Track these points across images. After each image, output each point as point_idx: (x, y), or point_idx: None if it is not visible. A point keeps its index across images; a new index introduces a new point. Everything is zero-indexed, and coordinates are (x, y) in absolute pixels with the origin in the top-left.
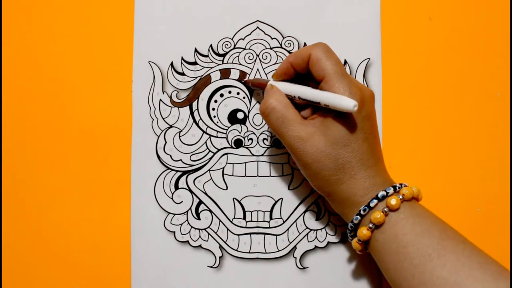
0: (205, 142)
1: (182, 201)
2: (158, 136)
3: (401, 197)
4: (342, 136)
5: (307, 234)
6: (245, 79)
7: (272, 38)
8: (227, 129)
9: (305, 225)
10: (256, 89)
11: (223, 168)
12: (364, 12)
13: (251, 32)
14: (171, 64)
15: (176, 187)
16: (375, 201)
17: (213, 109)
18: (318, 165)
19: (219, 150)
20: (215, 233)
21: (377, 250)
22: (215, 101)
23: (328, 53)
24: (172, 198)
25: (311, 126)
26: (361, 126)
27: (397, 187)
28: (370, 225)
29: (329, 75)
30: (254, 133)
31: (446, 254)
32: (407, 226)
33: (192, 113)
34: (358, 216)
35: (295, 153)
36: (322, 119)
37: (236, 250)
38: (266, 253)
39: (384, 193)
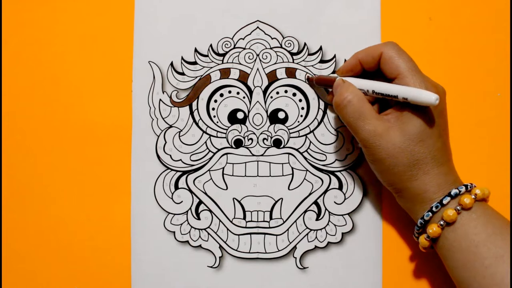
0: (205, 142)
1: (182, 201)
2: (158, 136)
3: (473, 196)
4: (418, 132)
5: (307, 234)
6: (307, 77)
7: (272, 38)
8: (227, 129)
9: (305, 225)
10: (320, 86)
11: (223, 168)
12: (364, 12)
13: (251, 32)
14: (171, 64)
15: (176, 187)
16: (448, 198)
17: (213, 109)
18: (393, 161)
19: (219, 150)
20: (215, 233)
21: (446, 248)
22: (215, 101)
23: (400, 50)
24: (172, 198)
25: (387, 121)
26: (436, 122)
27: (468, 186)
28: (441, 222)
29: (404, 72)
30: (254, 133)
31: None
32: (479, 226)
33: (192, 113)
34: (429, 213)
35: (370, 147)
36: (397, 115)
37: (236, 250)
38: (266, 253)
39: (457, 191)
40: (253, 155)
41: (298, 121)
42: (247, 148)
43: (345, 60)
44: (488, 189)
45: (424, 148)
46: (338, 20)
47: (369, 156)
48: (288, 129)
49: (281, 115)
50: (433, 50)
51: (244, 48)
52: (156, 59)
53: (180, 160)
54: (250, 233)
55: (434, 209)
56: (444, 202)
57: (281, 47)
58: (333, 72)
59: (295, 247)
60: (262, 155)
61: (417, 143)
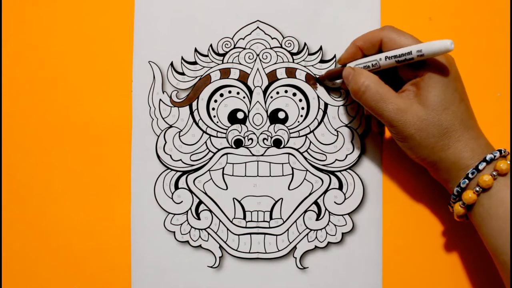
0: (205, 142)
1: (182, 201)
2: (158, 136)
3: (509, 162)
4: (440, 100)
5: (307, 234)
6: (318, 76)
7: (272, 38)
8: (227, 129)
9: (305, 225)
10: (332, 80)
11: (223, 168)
12: (364, 12)
13: (251, 32)
14: (171, 64)
15: (176, 187)
16: (484, 164)
17: (213, 109)
18: (422, 134)
19: (219, 150)
20: (215, 233)
21: (481, 215)
22: (215, 101)
23: (398, 31)
24: (172, 198)
25: (407, 97)
26: (454, 87)
27: (502, 151)
28: (477, 189)
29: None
30: (254, 133)
31: None
32: None
33: (192, 113)
34: (466, 180)
35: (397, 126)
36: (414, 89)
37: (236, 250)
38: (266, 253)
39: (492, 156)
40: (253, 155)
41: (298, 121)
42: (247, 148)
43: None
44: None
45: (449, 115)
46: (338, 20)
47: (397, 135)
48: (288, 129)
49: (281, 115)
50: None
51: (244, 48)
52: (156, 59)
53: (180, 160)
54: (250, 233)
55: (470, 175)
56: (480, 167)
57: (281, 47)
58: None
59: (295, 247)
60: (262, 155)
61: (442, 112)
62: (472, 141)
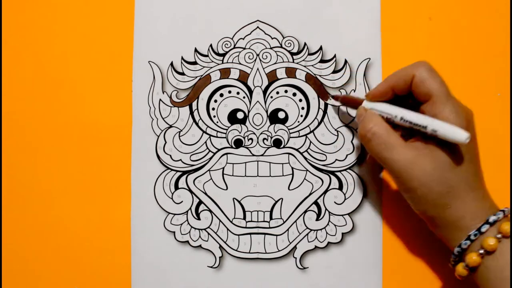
0: (205, 142)
1: (182, 201)
2: (158, 136)
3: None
4: (448, 160)
5: (307, 234)
6: (333, 95)
7: (272, 38)
8: (227, 129)
9: (305, 225)
10: (345, 105)
11: (223, 168)
12: (364, 12)
13: (251, 32)
14: (171, 64)
15: (176, 187)
16: (487, 226)
17: (213, 109)
18: (425, 189)
19: (219, 150)
20: (215, 233)
21: (487, 277)
22: (215, 101)
23: (432, 72)
24: (172, 198)
25: (415, 149)
26: (466, 148)
27: (506, 212)
28: (481, 251)
29: (436, 97)
30: (254, 133)
31: None
32: None
33: (192, 113)
34: (468, 241)
35: (401, 177)
36: (424, 142)
37: (236, 250)
38: (266, 253)
39: (495, 217)
40: (253, 155)
41: (298, 121)
42: (247, 148)
43: (345, 60)
44: None
45: (456, 175)
46: (338, 20)
47: (401, 186)
48: (288, 129)
49: (281, 115)
50: (433, 50)
51: (244, 48)
52: (156, 59)
53: (180, 160)
54: (250, 233)
55: (472, 237)
56: (483, 230)
57: (281, 47)
58: (337, 71)
59: (295, 247)
60: (262, 155)
61: (449, 170)
62: (475, 203)
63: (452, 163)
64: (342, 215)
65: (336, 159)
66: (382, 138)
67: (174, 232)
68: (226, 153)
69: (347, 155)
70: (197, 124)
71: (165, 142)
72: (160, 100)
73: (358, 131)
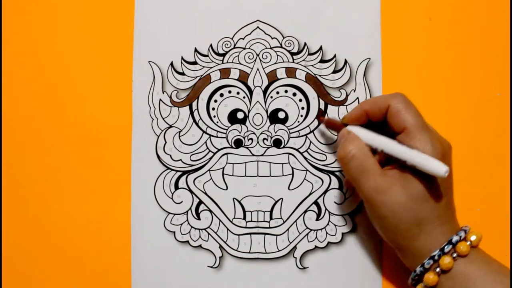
0: (205, 142)
1: (182, 201)
2: (158, 136)
3: (469, 243)
4: (422, 192)
5: (307, 234)
6: (319, 117)
7: (272, 38)
8: (227, 129)
9: (305, 225)
10: (330, 129)
11: (223, 168)
12: (364, 12)
13: (251, 32)
14: (171, 64)
15: (176, 187)
16: (450, 246)
17: (213, 109)
18: (395, 219)
19: (219, 150)
20: (215, 233)
21: None
22: (215, 101)
23: (407, 103)
24: (172, 198)
25: (391, 177)
26: (441, 181)
27: (466, 231)
28: (438, 270)
29: (410, 128)
30: (254, 133)
31: None
32: (475, 272)
33: (192, 113)
34: (430, 261)
35: (373, 204)
36: (401, 171)
37: (236, 250)
38: (266, 253)
39: (458, 238)
40: (253, 155)
41: (298, 121)
42: (247, 148)
43: (345, 61)
44: (480, 233)
45: (428, 208)
46: (338, 20)
47: (371, 213)
48: (288, 129)
49: (281, 115)
50: (433, 50)
51: (244, 48)
52: (156, 59)
53: (180, 160)
54: (250, 233)
55: (436, 257)
56: (446, 250)
57: (281, 47)
58: (337, 71)
59: (295, 247)
60: (262, 155)
61: (421, 203)
62: (443, 236)
63: (425, 195)
64: (342, 215)
65: (336, 159)
66: (360, 161)
67: (174, 232)
68: (226, 153)
69: None
70: (197, 124)
71: (165, 142)
72: (160, 100)
73: (337, 152)
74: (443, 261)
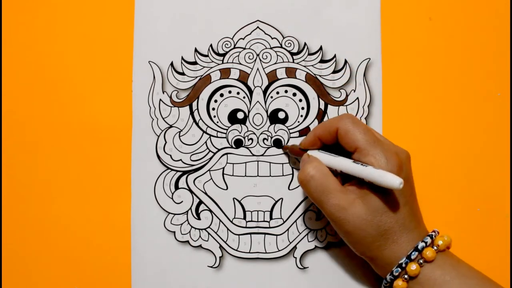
0: (205, 142)
1: (182, 201)
2: (158, 136)
3: (435, 248)
4: (381, 204)
5: (307, 234)
6: (284, 145)
7: (272, 38)
8: (227, 129)
9: (305, 225)
10: (293, 155)
11: (223, 168)
12: (364, 12)
13: (251, 32)
14: (171, 64)
15: (176, 187)
16: (416, 253)
17: (213, 109)
18: (360, 233)
19: (219, 150)
20: (215, 233)
21: None
22: (215, 101)
23: (355, 123)
24: (172, 198)
25: (351, 193)
26: (400, 191)
27: (433, 235)
28: (406, 276)
29: (362, 146)
30: (254, 133)
31: None
32: (442, 276)
33: (192, 113)
34: (398, 269)
35: (336, 221)
36: (359, 187)
37: (236, 250)
38: (266, 253)
39: (424, 244)
40: (253, 155)
41: (298, 121)
42: (247, 148)
43: (345, 61)
44: (449, 237)
45: (390, 218)
46: (338, 20)
47: (337, 229)
48: (288, 129)
49: (281, 115)
50: (433, 50)
51: (244, 48)
52: (156, 59)
53: (180, 160)
54: (250, 233)
55: (404, 265)
56: (412, 257)
57: (281, 47)
58: (337, 71)
59: (295, 247)
60: (262, 155)
61: (383, 214)
62: (410, 243)
63: (385, 207)
64: None
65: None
66: (320, 181)
67: (174, 232)
68: (226, 153)
69: None
70: (197, 124)
71: (165, 142)
72: (160, 100)
73: (298, 175)
74: (410, 268)
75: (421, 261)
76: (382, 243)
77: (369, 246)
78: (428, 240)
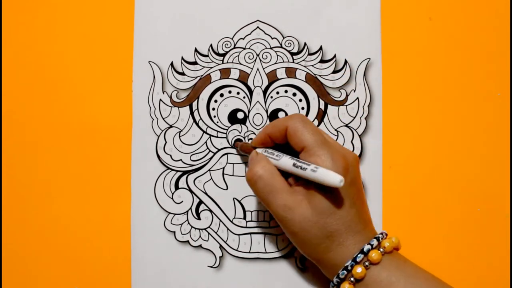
0: (205, 142)
1: (182, 201)
2: (158, 136)
3: (381, 250)
4: (327, 206)
5: None
6: (235, 143)
7: (272, 38)
8: (227, 129)
9: None
10: (244, 153)
11: (223, 168)
12: (364, 12)
13: (251, 32)
14: (171, 64)
15: (176, 187)
16: (361, 255)
17: (213, 109)
18: (306, 234)
19: (219, 150)
20: (215, 233)
21: None
22: (215, 101)
23: (304, 123)
24: (172, 198)
25: (298, 194)
26: (346, 193)
27: (380, 238)
28: (352, 279)
29: (309, 146)
30: (254, 133)
31: None
32: (388, 278)
33: (192, 113)
34: (344, 271)
35: (282, 221)
36: (307, 187)
37: (236, 250)
38: (266, 253)
39: (369, 246)
40: None
41: None
42: None
43: (345, 61)
44: (397, 238)
45: (336, 220)
46: (338, 20)
47: (284, 229)
48: None
49: (281, 115)
50: (433, 50)
51: (244, 48)
52: (156, 59)
53: (180, 160)
54: (250, 233)
55: (349, 267)
56: (358, 260)
57: (281, 47)
58: (337, 71)
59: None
60: None
61: (328, 216)
62: (356, 246)
63: (331, 209)
64: None
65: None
66: (267, 181)
67: (174, 232)
68: (227, 153)
69: None
70: (197, 124)
71: (165, 142)
72: (160, 100)
73: (246, 174)
74: (355, 270)
75: (367, 264)
76: (328, 245)
77: (316, 248)
78: (375, 242)
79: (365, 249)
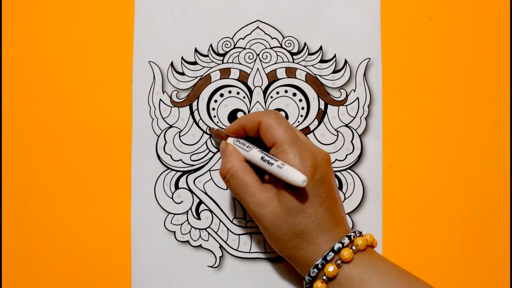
0: (205, 142)
1: (182, 201)
2: (158, 136)
3: (354, 248)
4: (295, 204)
5: None
6: (210, 128)
7: (272, 38)
8: None
9: None
10: (217, 139)
11: None
12: (364, 12)
13: (251, 32)
14: (171, 64)
15: (176, 187)
16: (332, 254)
17: (213, 109)
18: (277, 230)
19: (219, 150)
20: (216, 233)
21: None
22: (215, 101)
23: (278, 119)
24: (172, 198)
25: (269, 191)
26: (315, 191)
27: (352, 236)
28: (324, 278)
29: (279, 142)
30: None
31: None
32: (360, 276)
33: (192, 113)
34: (315, 270)
35: (255, 217)
36: (276, 185)
37: (236, 250)
38: (266, 253)
39: (340, 245)
40: None
41: (298, 121)
42: None
43: (345, 61)
44: (371, 235)
45: (305, 218)
46: (338, 20)
47: (258, 225)
48: None
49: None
50: (433, 50)
51: (244, 48)
52: (156, 59)
53: (181, 160)
54: (250, 233)
55: (320, 266)
56: (328, 258)
57: (281, 47)
58: (337, 71)
59: None
60: None
61: (297, 214)
62: (327, 244)
63: (299, 207)
64: None
65: (336, 159)
66: (239, 179)
67: (174, 232)
68: None
69: (347, 155)
70: (197, 124)
71: (165, 142)
72: (160, 100)
73: (219, 170)
74: (327, 269)
75: (339, 262)
76: (299, 242)
77: (286, 245)
78: (346, 240)
79: (335, 248)
